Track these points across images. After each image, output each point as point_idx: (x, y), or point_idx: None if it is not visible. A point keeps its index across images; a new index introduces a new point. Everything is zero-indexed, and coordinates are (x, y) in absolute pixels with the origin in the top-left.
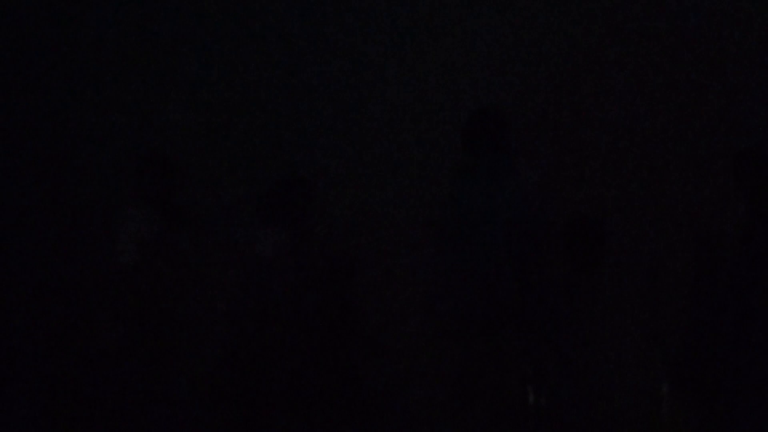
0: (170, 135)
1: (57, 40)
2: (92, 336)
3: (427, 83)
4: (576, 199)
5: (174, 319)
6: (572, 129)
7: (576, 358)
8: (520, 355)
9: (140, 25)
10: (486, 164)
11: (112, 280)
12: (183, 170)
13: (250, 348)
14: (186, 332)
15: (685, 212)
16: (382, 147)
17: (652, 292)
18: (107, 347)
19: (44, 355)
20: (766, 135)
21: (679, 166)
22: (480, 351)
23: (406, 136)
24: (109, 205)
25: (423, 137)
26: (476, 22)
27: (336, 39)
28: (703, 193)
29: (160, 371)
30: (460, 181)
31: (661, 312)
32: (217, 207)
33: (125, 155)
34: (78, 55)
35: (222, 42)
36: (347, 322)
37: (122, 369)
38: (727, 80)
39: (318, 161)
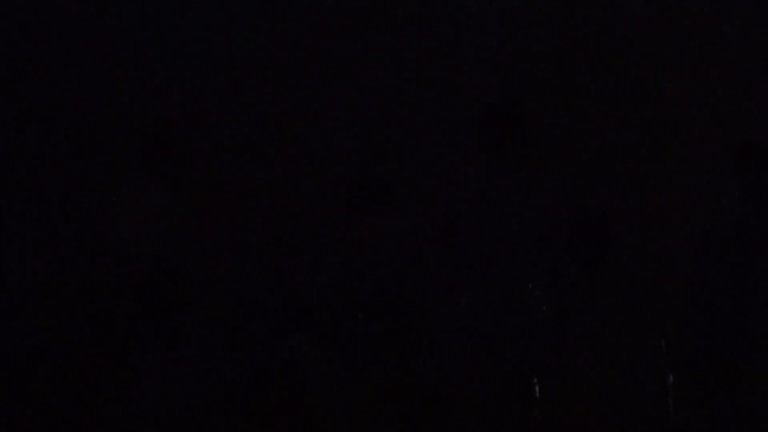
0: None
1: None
2: (106, 330)
3: (434, 79)
4: (578, 193)
5: (191, 306)
6: (572, 123)
7: (579, 352)
8: (530, 351)
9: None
10: (518, 158)
11: (123, 269)
12: (193, 148)
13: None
14: (206, 319)
15: (687, 206)
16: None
17: (655, 286)
18: (121, 342)
19: (51, 352)
20: (767, 129)
21: (680, 159)
22: (503, 348)
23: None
24: (108, 190)
25: (432, 134)
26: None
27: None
28: (704, 187)
29: (173, 365)
30: (492, 177)
31: (665, 305)
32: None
33: (121, 136)
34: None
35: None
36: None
37: (133, 364)
38: (727, 74)
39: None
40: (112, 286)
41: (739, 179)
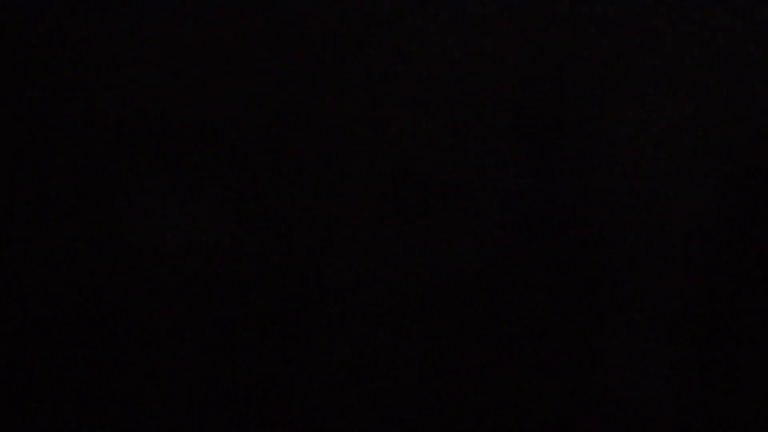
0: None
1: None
2: (117, 335)
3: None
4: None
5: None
6: (569, 118)
7: (576, 349)
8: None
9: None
10: (553, 151)
11: (139, 273)
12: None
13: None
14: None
15: (681, 203)
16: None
17: (653, 285)
18: (132, 347)
19: (54, 353)
20: (759, 125)
21: (674, 156)
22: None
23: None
24: (119, 188)
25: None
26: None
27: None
28: (698, 183)
29: (192, 369)
30: (532, 170)
31: (663, 304)
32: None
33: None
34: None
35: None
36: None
37: (148, 368)
38: (722, 70)
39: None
40: (127, 287)
41: (730, 174)
